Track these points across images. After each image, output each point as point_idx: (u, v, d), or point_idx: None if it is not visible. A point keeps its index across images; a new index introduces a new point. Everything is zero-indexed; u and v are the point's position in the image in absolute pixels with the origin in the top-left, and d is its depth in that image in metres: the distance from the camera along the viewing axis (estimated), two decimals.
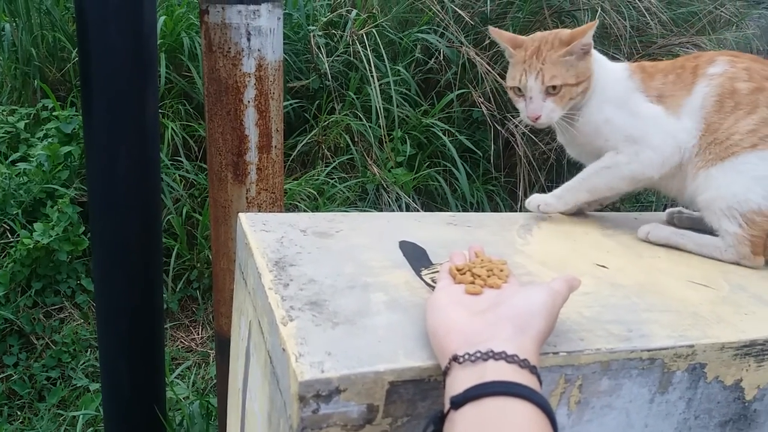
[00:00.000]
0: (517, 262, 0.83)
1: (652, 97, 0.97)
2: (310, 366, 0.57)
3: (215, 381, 2.29)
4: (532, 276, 0.79)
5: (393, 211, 3.42)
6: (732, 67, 0.94)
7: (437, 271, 0.77)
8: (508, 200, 3.99)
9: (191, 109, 2.98)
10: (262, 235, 0.81)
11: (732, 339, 0.71)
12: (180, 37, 2.89)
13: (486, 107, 3.53)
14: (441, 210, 3.60)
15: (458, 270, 0.69)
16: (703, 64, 0.96)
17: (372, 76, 3.19)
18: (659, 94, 0.97)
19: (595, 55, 1.00)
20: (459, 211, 3.64)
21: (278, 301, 0.66)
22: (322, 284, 0.71)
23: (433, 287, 0.73)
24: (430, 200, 3.77)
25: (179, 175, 2.67)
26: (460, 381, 0.54)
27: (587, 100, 0.98)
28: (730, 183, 0.91)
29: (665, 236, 0.97)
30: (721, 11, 4.09)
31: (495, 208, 3.90)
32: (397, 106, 3.43)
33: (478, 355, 0.55)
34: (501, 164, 3.79)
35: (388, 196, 3.44)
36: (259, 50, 1.35)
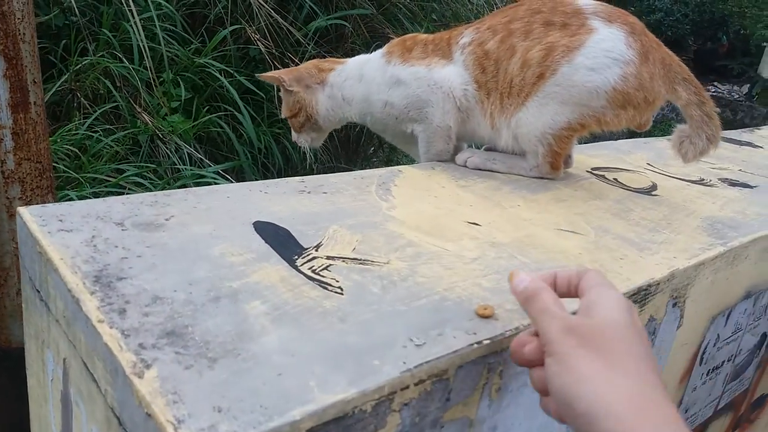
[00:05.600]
0: (393, 230, 0.72)
1: (412, 61, 1.01)
2: None
3: None
4: (415, 246, 0.69)
5: (174, 164, 3.08)
6: (477, 33, 0.99)
7: (314, 258, 0.62)
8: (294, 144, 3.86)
9: None
10: (63, 237, 0.58)
11: (624, 289, 0.68)
12: None
13: (263, 44, 3.29)
14: (228, 158, 3.34)
15: None
16: (455, 36, 1.01)
17: (131, 10, 2.75)
18: (419, 58, 1.01)
19: (354, 61, 1.10)
20: (248, 159, 3.42)
21: (119, 340, 0.47)
22: (173, 301, 0.52)
23: (319, 281, 0.59)
24: (215, 148, 3.47)
25: None
26: None
27: (367, 102, 1.05)
28: (540, 116, 0.94)
29: (481, 162, 1.02)
30: None
31: (284, 152, 3.74)
32: (164, 45, 3.03)
33: None
34: None
35: (166, 147, 3.08)
36: None
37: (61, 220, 0.61)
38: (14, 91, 1.06)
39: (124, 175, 2.78)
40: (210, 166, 3.14)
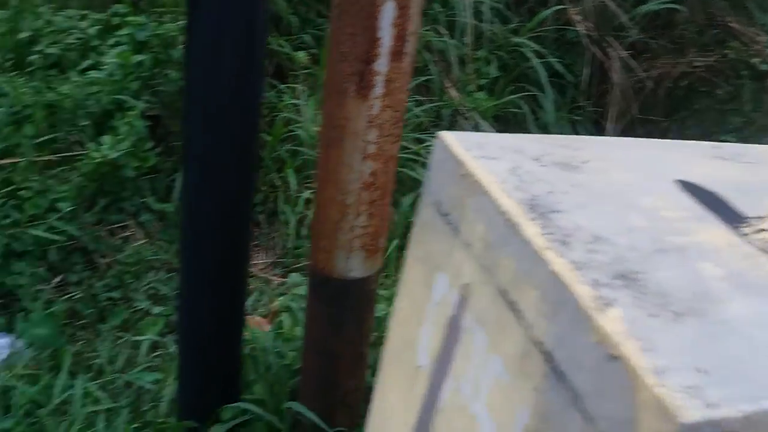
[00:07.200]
0: None
1: None
2: (686, 395, 0.34)
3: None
4: None
5: None
6: None
7: (764, 230, 0.52)
8: (593, 132, 3.66)
9: None
10: (487, 163, 0.57)
11: None
12: None
13: (584, 26, 3.15)
14: None
15: None
16: None
17: None
18: None
19: None
20: None
21: (570, 270, 0.43)
22: (616, 245, 0.47)
23: None
24: (506, 127, 3.47)
25: None
26: None
27: None
28: None
29: None
30: None
31: None
32: (485, 22, 3.07)
33: None
34: (588, 91, 3.44)
35: (466, 123, 3.15)
36: None
37: (481, 147, 0.60)
38: (397, 39, 1.12)
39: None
40: None
